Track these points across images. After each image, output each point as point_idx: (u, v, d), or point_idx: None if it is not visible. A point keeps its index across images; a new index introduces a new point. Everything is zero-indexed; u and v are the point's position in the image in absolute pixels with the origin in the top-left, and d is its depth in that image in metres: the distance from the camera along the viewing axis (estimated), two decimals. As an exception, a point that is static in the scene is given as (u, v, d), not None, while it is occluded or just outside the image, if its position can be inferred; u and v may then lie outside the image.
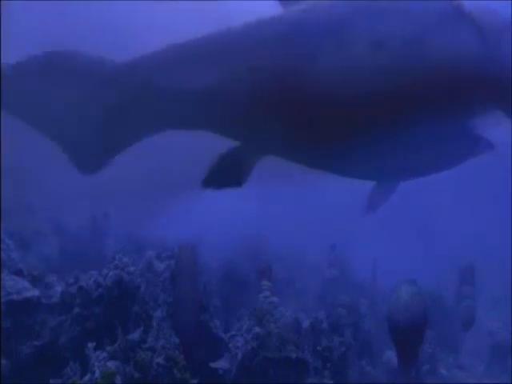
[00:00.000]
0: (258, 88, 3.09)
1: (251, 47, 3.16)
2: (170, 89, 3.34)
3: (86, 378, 3.48)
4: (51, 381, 3.70)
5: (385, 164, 3.51)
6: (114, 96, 3.52)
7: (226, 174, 3.58)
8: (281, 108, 3.09)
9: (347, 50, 2.90)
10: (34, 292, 4.69)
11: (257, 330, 4.52)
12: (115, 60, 3.56)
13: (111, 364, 3.52)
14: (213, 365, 4.57)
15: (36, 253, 7.50)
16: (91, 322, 4.44)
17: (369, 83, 2.89)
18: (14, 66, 3.64)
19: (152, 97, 3.42)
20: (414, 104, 2.92)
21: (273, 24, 3.19)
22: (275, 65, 3.05)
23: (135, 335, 3.98)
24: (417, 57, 2.86)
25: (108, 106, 3.55)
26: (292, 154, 3.54)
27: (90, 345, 3.72)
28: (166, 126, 3.64)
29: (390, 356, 5.90)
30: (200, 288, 5.04)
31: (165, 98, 3.39)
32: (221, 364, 4.57)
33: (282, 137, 3.25)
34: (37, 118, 3.77)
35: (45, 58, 3.68)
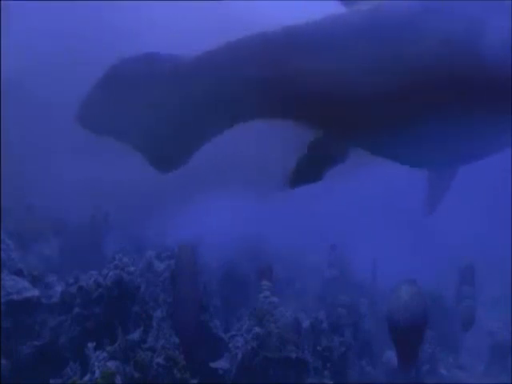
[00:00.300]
0: (343, 79, 3.30)
1: (334, 42, 3.34)
2: (251, 80, 3.43)
3: (86, 378, 3.48)
4: (51, 381, 3.70)
5: (444, 151, 3.77)
6: (194, 91, 3.57)
7: (307, 172, 3.77)
8: (360, 98, 3.31)
9: (417, 47, 3.13)
10: (34, 292, 4.69)
11: (257, 330, 4.53)
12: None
13: (111, 364, 3.53)
14: (213, 365, 4.57)
15: (36, 253, 7.50)
16: (91, 321, 4.44)
17: (437, 77, 3.13)
18: (90, 93, 3.72)
19: (233, 88, 3.50)
20: (473, 95, 3.18)
21: (351, 21, 3.38)
22: (356, 58, 3.27)
23: (135, 335, 3.99)
24: (479, 53, 3.08)
25: (187, 102, 3.61)
26: (368, 143, 3.74)
27: (90, 345, 3.72)
28: (245, 117, 3.71)
29: (390, 356, 5.91)
30: (200, 288, 5.05)
31: (246, 88, 3.47)
32: (221, 364, 4.57)
33: (361, 125, 3.47)
34: (112, 127, 3.82)
35: (117, 68, 3.66)
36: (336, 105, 3.37)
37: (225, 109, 3.60)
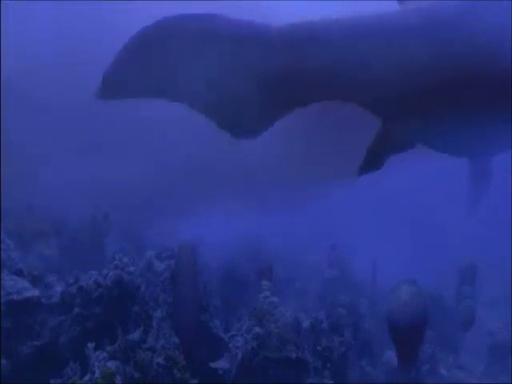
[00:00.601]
0: (409, 68, 3.58)
1: (392, 38, 3.60)
2: (334, 61, 3.65)
3: (86, 378, 3.49)
4: (51, 381, 3.70)
5: (487, 140, 4.23)
6: (283, 59, 3.68)
7: (373, 159, 4.14)
8: (415, 90, 3.62)
9: (465, 45, 3.43)
10: (34, 292, 4.69)
11: (257, 330, 4.53)
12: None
13: (111, 364, 3.53)
14: (213, 365, 4.57)
15: (36, 253, 7.49)
16: (91, 321, 4.45)
17: (482, 73, 3.44)
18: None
19: (318, 65, 3.67)
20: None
21: (405, 20, 3.64)
22: (410, 54, 3.56)
23: (135, 335, 3.99)
24: None
25: (273, 71, 3.72)
26: (422, 131, 4.08)
27: (90, 345, 3.72)
28: (321, 97, 3.91)
29: (390, 356, 5.91)
30: (200, 288, 5.05)
31: (331, 69, 3.69)
32: (221, 364, 4.57)
33: (416, 115, 3.81)
34: (161, 88, 3.81)
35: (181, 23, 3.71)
36: (394, 95, 3.65)
37: (304, 86, 3.77)
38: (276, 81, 3.73)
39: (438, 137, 4.05)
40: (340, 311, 6.46)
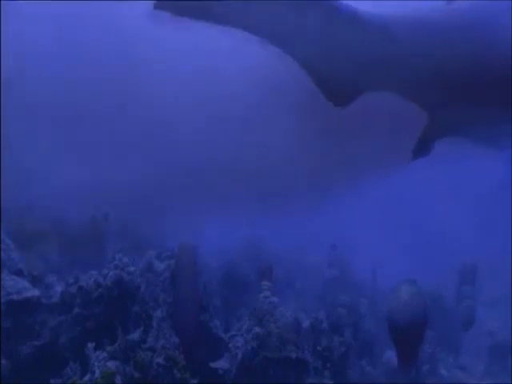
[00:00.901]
0: (455, 63, 3.84)
1: (447, 32, 3.87)
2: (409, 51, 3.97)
3: (86, 378, 3.49)
4: (51, 381, 3.71)
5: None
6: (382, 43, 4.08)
7: (422, 146, 4.47)
8: (465, 81, 3.89)
9: (503, 38, 3.62)
10: (34, 292, 4.70)
11: (257, 330, 4.53)
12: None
13: (111, 364, 3.53)
14: (213, 365, 4.58)
15: (36, 253, 7.48)
16: (91, 322, 4.45)
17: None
18: None
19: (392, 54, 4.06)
20: None
21: (453, 16, 3.87)
22: (463, 47, 3.79)
23: (135, 335, 3.99)
24: None
25: (372, 51, 4.13)
26: (461, 123, 4.38)
27: (90, 345, 3.72)
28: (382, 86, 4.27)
29: (390, 356, 5.90)
30: (200, 288, 5.05)
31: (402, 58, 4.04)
32: (221, 364, 4.58)
33: (458, 107, 4.09)
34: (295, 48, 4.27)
35: None
36: (442, 87, 3.92)
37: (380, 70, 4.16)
38: (367, 61, 4.04)
39: (476, 127, 4.26)
40: (340, 311, 6.46)
